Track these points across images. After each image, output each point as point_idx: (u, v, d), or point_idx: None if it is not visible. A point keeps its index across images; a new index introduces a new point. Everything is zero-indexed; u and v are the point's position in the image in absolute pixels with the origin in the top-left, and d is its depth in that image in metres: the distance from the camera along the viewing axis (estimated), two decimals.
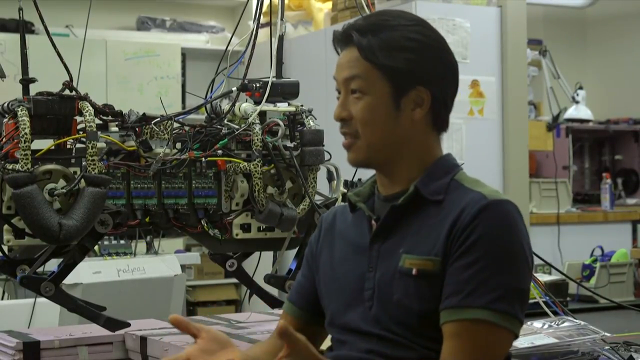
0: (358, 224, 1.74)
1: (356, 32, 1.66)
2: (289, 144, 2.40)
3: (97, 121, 2.20)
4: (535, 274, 2.81)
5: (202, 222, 2.34)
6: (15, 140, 2.13)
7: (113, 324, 2.27)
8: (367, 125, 1.66)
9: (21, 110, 2.13)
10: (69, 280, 2.49)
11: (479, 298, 1.54)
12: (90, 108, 2.18)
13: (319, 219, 1.89)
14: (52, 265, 2.27)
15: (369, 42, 1.64)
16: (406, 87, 1.65)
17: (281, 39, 2.49)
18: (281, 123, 2.38)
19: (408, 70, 1.64)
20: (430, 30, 1.68)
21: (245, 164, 2.33)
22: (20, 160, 2.11)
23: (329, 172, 2.51)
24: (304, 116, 2.43)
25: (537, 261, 2.58)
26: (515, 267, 1.57)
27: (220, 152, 2.34)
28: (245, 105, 2.38)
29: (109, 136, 2.23)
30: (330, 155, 2.46)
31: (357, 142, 1.68)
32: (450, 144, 4.56)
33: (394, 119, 1.66)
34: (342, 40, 1.70)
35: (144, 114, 2.29)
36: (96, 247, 3.67)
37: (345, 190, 2.50)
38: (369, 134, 1.66)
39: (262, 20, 2.62)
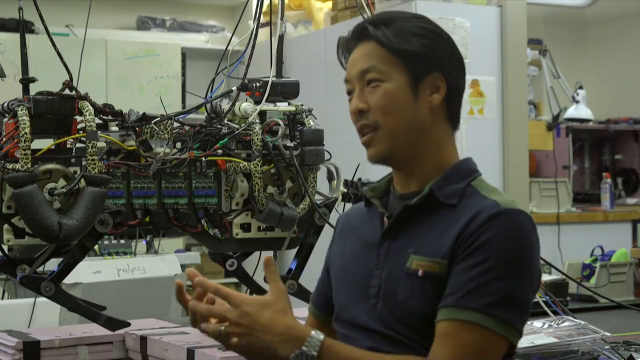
0: (371, 220, 1.74)
1: (370, 26, 1.68)
2: (289, 143, 2.40)
3: (97, 121, 2.20)
4: None
5: (202, 221, 2.34)
6: (15, 140, 2.13)
7: (113, 324, 2.27)
8: (386, 113, 1.65)
9: (21, 110, 2.13)
10: (69, 279, 2.50)
11: (475, 300, 1.53)
12: (90, 108, 2.18)
13: (336, 222, 1.89)
14: (52, 264, 2.26)
15: (383, 31, 1.66)
16: (423, 72, 1.66)
17: (281, 38, 2.49)
18: (281, 123, 2.38)
19: (424, 54, 1.66)
20: (440, 26, 1.72)
21: (245, 163, 2.33)
22: (20, 160, 2.11)
23: (329, 172, 2.51)
24: (304, 116, 2.43)
25: None
26: (518, 275, 1.55)
27: (220, 151, 2.34)
28: (245, 105, 2.38)
29: (109, 136, 2.23)
30: (330, 155, 2.46)
31: (378, 134, 1.67)
32: None
33: (412, 105, 1.66)
34: (354, 37, 1.71)
35: (144, 113, 2.28)
36: (96, 247, 3.67)
37: (345, 190, 2.50)
38: (390, 121, 1.65)
39: (262, 19, 2.62)
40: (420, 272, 1.59)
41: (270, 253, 2.55)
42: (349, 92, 1.71)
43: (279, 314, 1.55)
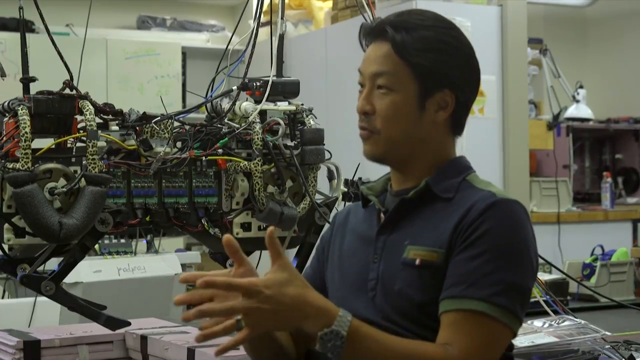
0: (368, 218, 1.76)
1: (390, 27, 1.67)
2: (289, 142, 2.40)
3: (98, 120, 2.20)
4: None
5: (203, 221, 2.34)
6: (16, 139, 2.13)
7: (113, 323, 2.27)
8: (389, 122, 1.67)
9: (21, 110, 2.13)
10: (69, 279, 2.50)
11: (479, 290, 1.55)
12: (91, 107, 2.18)
13: (333, 216, 1.90)
14: (53, 264, 2.26)
15: (402, 38, 1.65)
16: (433, 88, 1.66)
17: (281, 37, 2.49)
18: (281, 122, 2.38)
19: (438, 71, 1.66)
20: (461, 34, 1.70)
21: (246, 162, 2.33)
22: (20, 159, 2.11)
23: (330, 171, 2.51)
24: (305, 115, 2.43)
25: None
26: (519, 264, 1.58)
27: (220, 151, 2.34)
28: (246, 104, 2.38)
29: (110, 135, 2.23)
30: (331, 154, 2.46)
31: (375, 137, 1.69)
32: None
33: (416, 119, 1.67)
34: (373, 33, 1.70)
35: (144, 112, 2.28)
36: (96, 246, 3.67)
37: (345, 189, 2.50)
38: (390, 130, 1.67)
39: (263, 19, 2.63)
40: (417, 261, 1.61)
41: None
42: (361, 84, 1.71)
43: (302, 289, 1.48)
